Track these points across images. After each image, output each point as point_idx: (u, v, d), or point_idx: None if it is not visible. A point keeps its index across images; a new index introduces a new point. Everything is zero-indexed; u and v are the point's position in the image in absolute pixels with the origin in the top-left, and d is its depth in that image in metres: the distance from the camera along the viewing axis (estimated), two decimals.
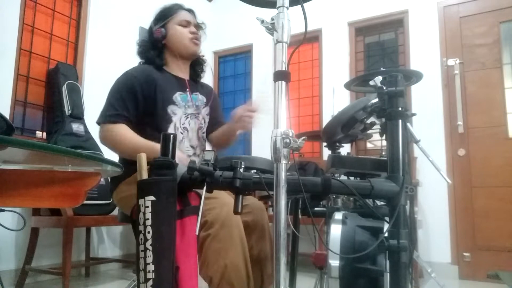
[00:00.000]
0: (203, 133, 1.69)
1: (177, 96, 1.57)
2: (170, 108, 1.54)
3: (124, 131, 1.44)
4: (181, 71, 1.66)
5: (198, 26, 1.68)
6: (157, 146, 1.22)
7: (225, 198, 1.29)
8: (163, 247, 0.89)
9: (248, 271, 1.22)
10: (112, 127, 1.45)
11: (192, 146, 1.59)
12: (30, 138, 2.78)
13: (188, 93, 1.62)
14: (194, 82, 1.72)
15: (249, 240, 1.37)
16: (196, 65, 1.74)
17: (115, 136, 1.44)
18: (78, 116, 2.83)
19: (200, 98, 1.68)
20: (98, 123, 1.49)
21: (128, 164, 1.28)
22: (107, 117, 1.46)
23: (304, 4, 0.93)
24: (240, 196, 0.93)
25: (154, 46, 1.61)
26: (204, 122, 1.69)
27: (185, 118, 1.58)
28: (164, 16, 1.64)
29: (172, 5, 1.68)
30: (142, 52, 1.64)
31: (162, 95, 1.52)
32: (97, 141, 2.89)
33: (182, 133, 1.56)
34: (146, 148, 1.35)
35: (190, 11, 1.69)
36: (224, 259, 1.18)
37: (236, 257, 1.20)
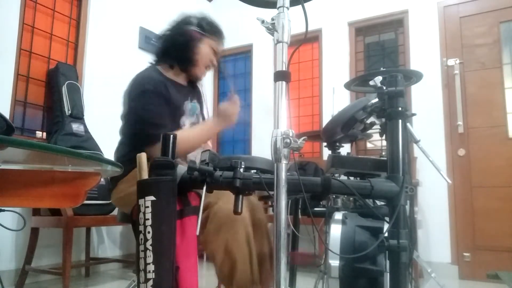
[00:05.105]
0: None
1: (186, 105, 1.56)
2: (182, 120, 1.53)
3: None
4: (183, 78, 1.63)
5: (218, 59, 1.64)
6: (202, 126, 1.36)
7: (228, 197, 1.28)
8: (163, 247, 0.89)
9: (250, 247, 1.23)
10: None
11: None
12: (30, 138, 2.78)
13: (189, 101, 1.61)
14: (192, 88, 1.69)
15: None
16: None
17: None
18: (78, 116, 2.83)
19: (197, 106, 1.68)
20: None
21: (125, 163, 1.28)
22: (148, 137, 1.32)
23: (304, 4, 0.93)
24: (240, 196, 0.93)
25: (186, 46, 1.52)
26: None
27: (189, 126, 1.57)
28: (208, 30, 1.57)
29: (219, 28, 1.62)
30: (172, 46, 1.53)
31: (176, 105, 1.49)
32: (97, 141, 2.93)
33: None
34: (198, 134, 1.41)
35: (223, 41, 1.66)
36: (225, 234, 1.19)
37: (237, 232, 1.20)
